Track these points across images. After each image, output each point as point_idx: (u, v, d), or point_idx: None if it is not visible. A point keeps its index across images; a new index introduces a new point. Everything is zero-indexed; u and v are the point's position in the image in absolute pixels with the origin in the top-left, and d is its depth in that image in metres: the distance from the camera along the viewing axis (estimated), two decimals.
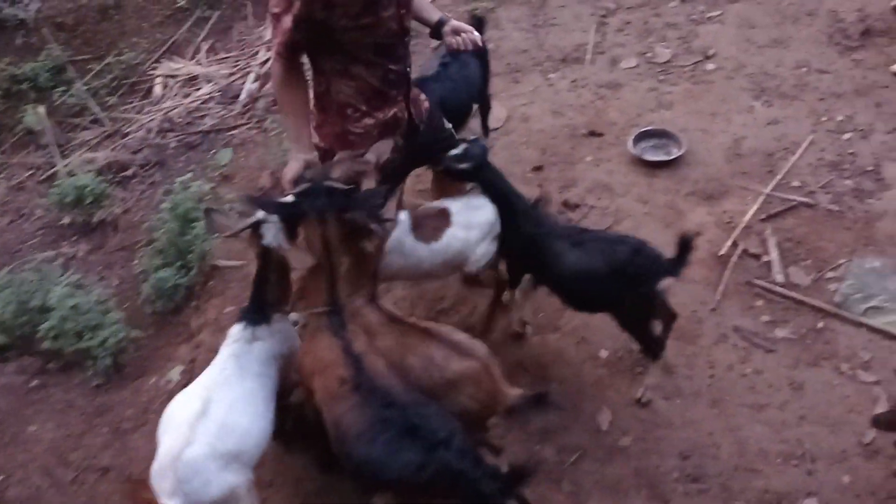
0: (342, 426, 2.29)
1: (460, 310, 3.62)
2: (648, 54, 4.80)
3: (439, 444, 2.16)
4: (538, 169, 4.22)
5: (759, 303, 3.51)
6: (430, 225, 3.05)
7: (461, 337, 2.59)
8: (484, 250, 3.10)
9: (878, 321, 3.37)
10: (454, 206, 3.10)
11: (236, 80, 5.43)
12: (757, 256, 3.68)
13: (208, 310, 3.90)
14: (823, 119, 4.27)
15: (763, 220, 3.82)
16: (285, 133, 2.79)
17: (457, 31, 3.00)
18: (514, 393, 2.48)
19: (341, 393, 2.31)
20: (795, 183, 3.98)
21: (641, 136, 4.25)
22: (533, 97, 4.56)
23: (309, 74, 2.72)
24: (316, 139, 2.78)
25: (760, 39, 4.79)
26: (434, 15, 3.00)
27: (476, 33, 3.06)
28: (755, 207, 3.86)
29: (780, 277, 3.58)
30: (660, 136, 4.26)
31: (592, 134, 4.36)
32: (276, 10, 2.46)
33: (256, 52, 5.60)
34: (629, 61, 4.79)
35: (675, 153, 4.13)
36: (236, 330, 2.62)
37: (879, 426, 2.38)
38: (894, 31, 4.67)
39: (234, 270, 3.91)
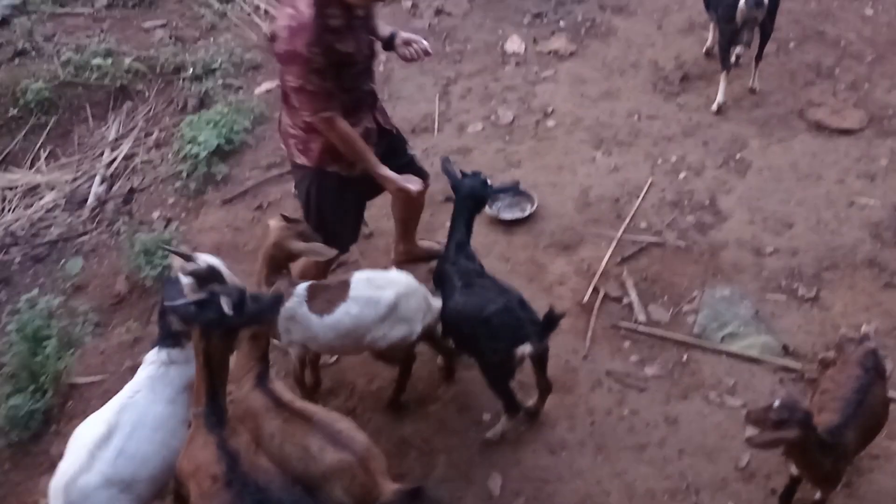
0: None
1: (339, 392, 3.55)
2: (492, 117, 4.98)
3: None
4: None
5: (627, 344, 3.65)
6: (326, 297, 3.02)
7: (343, 426, 2.55)
8: (385, 332, 3.02)
9: (735, 346, 3.58)
10: (357, 279, 3.06)
11: (81, 184, 5.19)
12: (618, 299, 3.84)
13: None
14: (659, 161, 4.56)
15: (619, 263, 4.00)
16: (365, 163, 3.09)
17: (408, 43, 3.17)
18: (390, 489, 2.44)
19: (213, 491, 2.26)
20: (643, 224, 4.21)
21: (496, 197, 4.37)
22: None
23: None
24: (303, 160, 3.11)
25: (593, 93, 5.09)
26: (386, 30, 3.20)
27: (424, 42, 3.22)
28: (609, 252, 4.04)
29: (641, 317, 3.75)
30: (512, 193, 4.40)
31: (449, 199, 4.45)
32: (298, 82, 2.80)
33: (101, 154, 5.39)
34: (475, 126, 4.95)
35: (529, 209, 4.28)
36: (152, 353, 2.66)
37: (749, 421, 2.55)
38: (709, 74, 5.08)
39: (94, 387, 3.68)
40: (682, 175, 4.48)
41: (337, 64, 2.83)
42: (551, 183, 4.47)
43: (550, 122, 4.91)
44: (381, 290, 3.02)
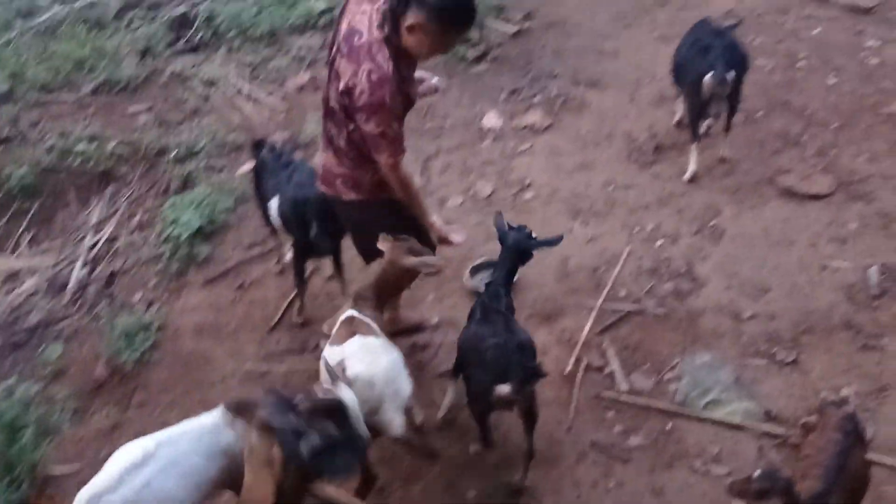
0: None
1: None
2: (472, 191, 5.08)
3: None
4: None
5: (610, 414, 3.65)
6: None
7: None
8: None
9: (718, 413, 3.58)
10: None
11: (63, 268, 5.20)
12: (600, 369, 3.86)
13: None
14: (636, 230, 4.64)
15: (599, 332, 4.03)
16: (417, 209, 3.30)
17: (421, 80, 3.31)
18: None
19: None
20: (622, 293, 4.25)
21: (476, 269, 4.42)
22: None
23: None
24: (353, 196, 3.29)
25: (568, 165, 5.21)
26: None
27: (436, 78, 3.42)
28: (590, 322, 4.07)
29: (624, 386, 3.75)
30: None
31: (430, 273, 4.49)
32: (380, 129, 2.92)
33: (83, 237, 5.43)
34: (455, 200, 5.04)
35: None
36: (220, 409, 2.73)
37: (731, 493, 2.54)
38: (680, 144, 5.22)
39: (70, 477, 3.61)
40: (658, 243, 4.55)
41: (405, 110, 3.07)
42: None
43: (528, 195, 5.01)
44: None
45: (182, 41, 6.99)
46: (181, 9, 7.23)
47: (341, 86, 2.92)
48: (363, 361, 2.90)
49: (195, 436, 2.66)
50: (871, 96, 5.66)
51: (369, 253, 3.42)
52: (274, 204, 3.96)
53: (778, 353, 3.84)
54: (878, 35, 6.34)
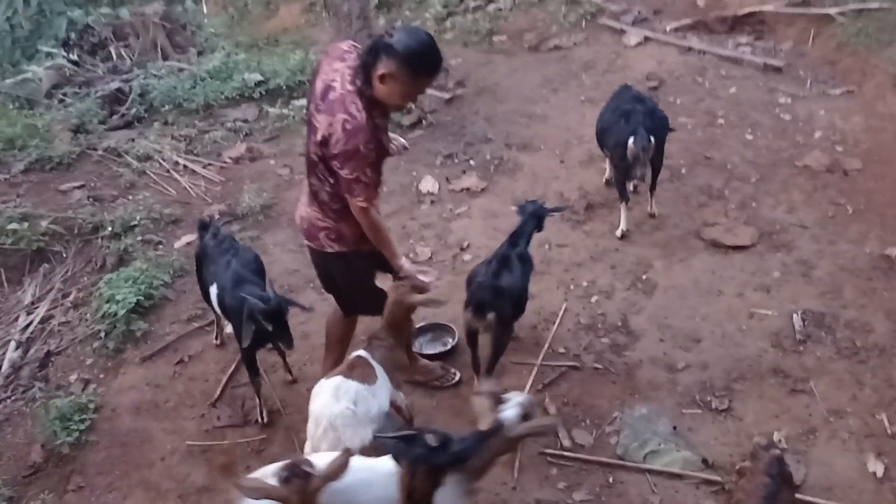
0: None
1: None
2: (411, 255, 5.15)
3: None
4: None
5: (554, 471, 3.69)
6: None
7: None
8: None
9: (657, 463, 3.66)
10: None
11: None
12: None
13: None
14: (571, 287, 4.77)
15: (540, 389, 4.10)
16: (387, 252, 3.44)
17: (390, 140, 3.47)
18: None
19: None
20: (561, 349, 4.35)
21: (418, 332, 4.46)
22: (309, 315, 4.68)
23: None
24: (336, 248, 3.46)
25: (505, 226, 5.28)
26: None
27: (402, 139, 3.63)
28: (531, 379, 4.14)
29: (566, 442, 3.81)
30: (434, 329, 4.51)
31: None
32: (355, 174, 3.11)
33: (16, 318, 5.30)
34: None
35: (451, 343, 4.38)
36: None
37: None
38: (610, 202, 5.42)
39: None
40: (594, 299, 4.68)
41: (379, 157, 3.24)
42: None
43: (467, 256, 5.10)
44: None
45: (116, 116, 7.00)
46: (114, 84, 7.26)
47: (318, 137, 3.13)
48: (320, 400, 3.12)
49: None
50: (785, 150, 6.00)
51: (350, 304, 3.70)
52: (213, 291, 3.96)
53: (712, 402, 3.96)
54: (789, 92, 6.77)
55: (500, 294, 3.78)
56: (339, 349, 3.89)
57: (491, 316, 3.77)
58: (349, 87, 3.09)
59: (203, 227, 4.31)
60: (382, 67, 3.02)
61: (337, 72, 3.16)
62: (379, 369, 3.28)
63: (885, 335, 4.29)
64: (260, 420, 4.02)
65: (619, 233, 5.13)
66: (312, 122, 3.20)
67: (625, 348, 4.34)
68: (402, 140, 3.63)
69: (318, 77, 3.23)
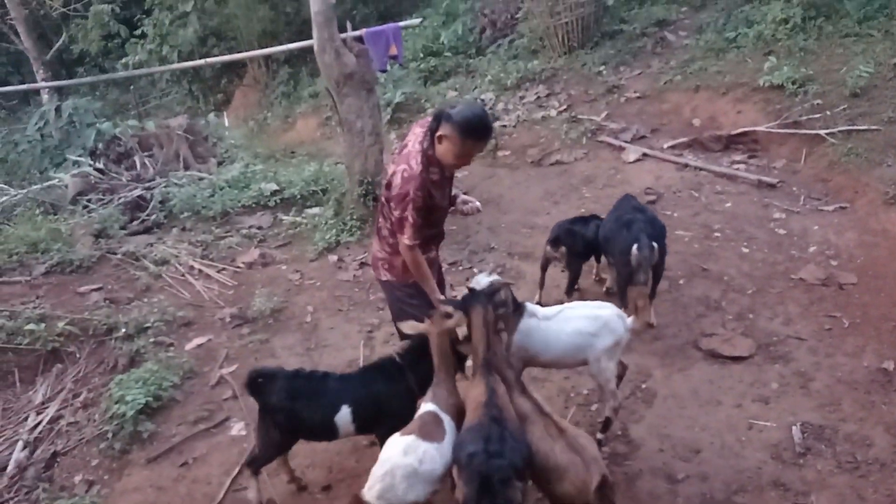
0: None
1: None
2: None
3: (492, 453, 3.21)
4: (327, 489, 4.29)
5: None
6: None
7: (583, 440, 3.40)
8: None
9: None
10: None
11: (2, 451, 5.11)
12: None
13: None
14: (572, 395, 4.84)
15: (540, 498, 4.09)
16: (426, 287, 3.98)
17: (465, 202, 4.29)
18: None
19: (477, 410, 3.43)
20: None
21: None
22: None
23: None
24: (387, 276, 4.11)
25: None
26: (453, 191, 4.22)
27: (477, 202, 4.35)
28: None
29: None
30: None
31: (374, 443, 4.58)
32: (403, 214, 3.73)
33: (26, 418, 5.38)
34: None
35: None
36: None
37: None
38: None
39: None
40: (594, 407, 4.74)
41: (430, 207, 3.80)
42: None
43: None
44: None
45: (136, 222, 7.29)
46: (136, 192, 7.59)
47: (385, 181, 3.85)
48: (390, 451, 3.41)
49: None
50: (781, 263, 6.17)
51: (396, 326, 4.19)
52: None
53: None
54: (783, 208, 7.00)
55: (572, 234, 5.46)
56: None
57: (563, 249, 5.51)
58: (417, 147, 3.77)
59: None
60: (442, 129, 3.66)
61: (416, 134, 3.86)
62: (447, 421, 3.57)
63: (886, 449, 4.31)
64: None
65: None
66: (387, 170, 3.91)
67: (625, 458, 4.37)
68: (477, 203, 4.35)
69: (407, 137, 3.93)
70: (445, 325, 3.74)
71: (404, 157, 3.78)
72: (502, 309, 3.90)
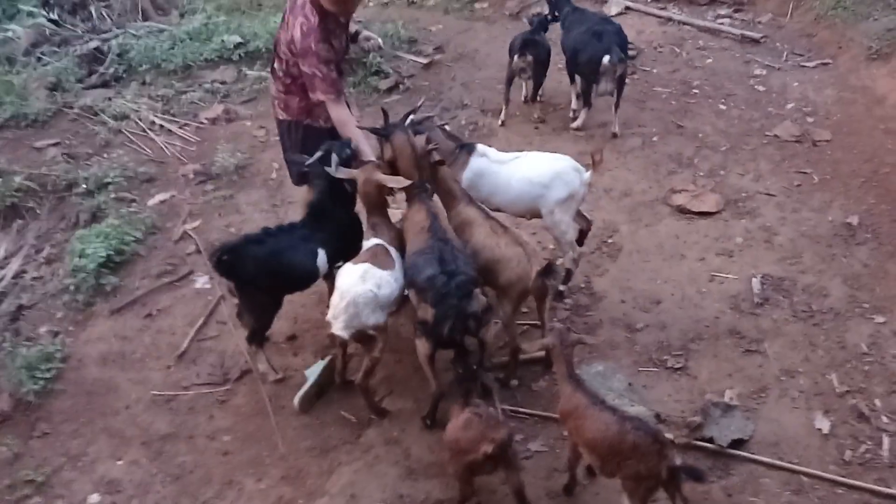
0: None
1: None
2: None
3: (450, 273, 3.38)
4: (292, 338, 4.33)
5: (511, 424, 3.76)
6: None
7: (524, 238, 3.81)
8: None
9: None
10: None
11: None
12: (505, 383, 3.98)
13: None
14: (538, 250, 4.82)
15: (501, 347, 4.15)
16: (354, 139, 3.90)
17: (367, 38, 4.38)
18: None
19: (422, 235, 3.61)
20: (524, 309, 4.37)
21: None
22: None
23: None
24: (283, 115, 4.13)
25: None
26: (352, 28, 4.25)
27: (377, 38, 4.45)
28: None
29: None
30: None
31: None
32: (310, 70, 3.78)
33: None
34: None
35: None
36: None
37: None
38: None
39: None
40: (558, 261, 4.73)
41: (335, 55, 3.86)
42: None
43: None
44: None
45: (94, 76, 6.97)
46: (93, 44, 7.22)
47: (288, 36, 3.82)
48: (348, 279, 3.49)
49: None
50: (757, 120, 6.06)
51: (294, 172, 4.28)
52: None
53: (668, 361, 4.06)
54: (764, 64, 6.81)
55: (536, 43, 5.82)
56: None
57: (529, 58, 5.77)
58: None
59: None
60: None
61: None
62: (393, 252, 3.70)
63: (841, 300, 4.38)
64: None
65: (574, 125, 5.99)
66: (285, 17, 3.89)
67: (587, 309, 4.42)
68: (379, 40, 4.41)
69: None
70: (373, 176, 3.75)
71: (299, 8, 3.78)
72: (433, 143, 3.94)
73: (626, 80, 5.87)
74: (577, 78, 6.08)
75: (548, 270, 3.64)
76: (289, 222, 4.07)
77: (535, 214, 4.26)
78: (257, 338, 3.95)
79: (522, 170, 4.18)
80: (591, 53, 5.62)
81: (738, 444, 3.57)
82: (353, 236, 3.94)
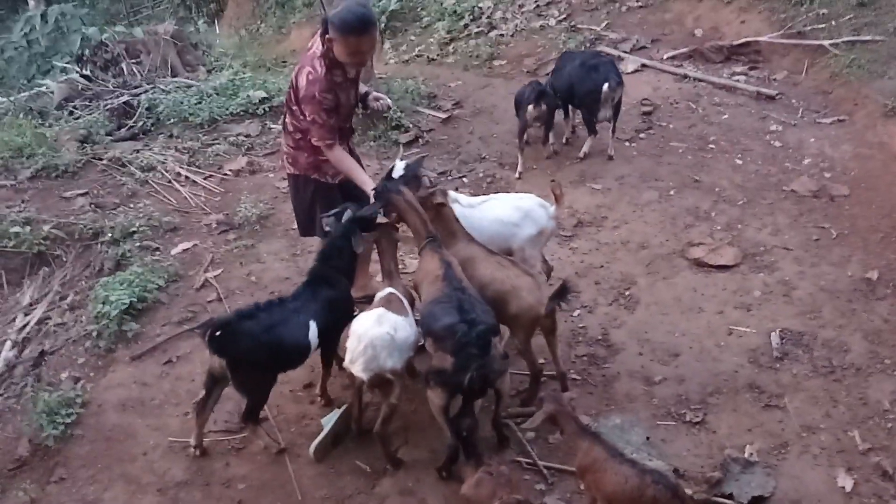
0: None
1: None
2: (401, 265, 5.24)
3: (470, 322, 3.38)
4: (308, 386, 4.34)
5: (528, 477, 3.74)
6: None
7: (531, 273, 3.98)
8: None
9: None
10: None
11: None
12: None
13: None
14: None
15: (514, 396, 4.14)
16: (356, 180, 4.09)
17: (377, 99, 4.41)
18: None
19: (436, 283, 3.64)
20: (541, 360, 4.40)
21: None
22: None
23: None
24: (291, 170, 4.33)
25: None
26: (363, 89, 4.38)
27: (388, 99, 4.49)
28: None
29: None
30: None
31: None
32: (311, 117, 3.96)
33: (14, 319, 5.42)
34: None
35: None
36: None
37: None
38: (598, 220, 5.51)
39: None
40: (576, 313, 4.76)
41: (337, 106, 4.02)
42: None
43: None
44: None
45: (123, 129, 7.18)
46: (123, 98, 7.45)
47: (295, 84, 4.01)
48: (364, 323, 3.56)
49: None
50: (774, 175, 6.10)
51: (303, 223, 4.52)
52: None
53: (687, 414, 4.02)
54: (780, 120, 6.88)
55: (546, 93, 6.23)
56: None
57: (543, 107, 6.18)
58: (318, 51, 3.94)
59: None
60: (329, 34, 3.83)
61: (316, 41, 4.02)
62: (405, 301, 3.83)
63: (862, 355, 4.34)
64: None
65: (581, 154, 6.40)
66: (295, 73, 4.07)
67: (604, 361, 4.41)
68: (388, 101, 4.47)
69: (311, 40, 4.09)
70: (392, 235, 4.06)
71: (308, 59, 3.96)
72: (427, 189, 4.10)
73: (622, 106, 6.42)
74: (570, 108, 6.69)
75: (562, 291, 3.73)
76: (278, 297, 4.05)
77: (508, 253, 4.34)
78: (253, 416, 3.83)
79: (494, 211, 4.36)
80: (592, 84, 6.09)
81: (758, 501, 3.50)
82: (346, 309, 3.99)
